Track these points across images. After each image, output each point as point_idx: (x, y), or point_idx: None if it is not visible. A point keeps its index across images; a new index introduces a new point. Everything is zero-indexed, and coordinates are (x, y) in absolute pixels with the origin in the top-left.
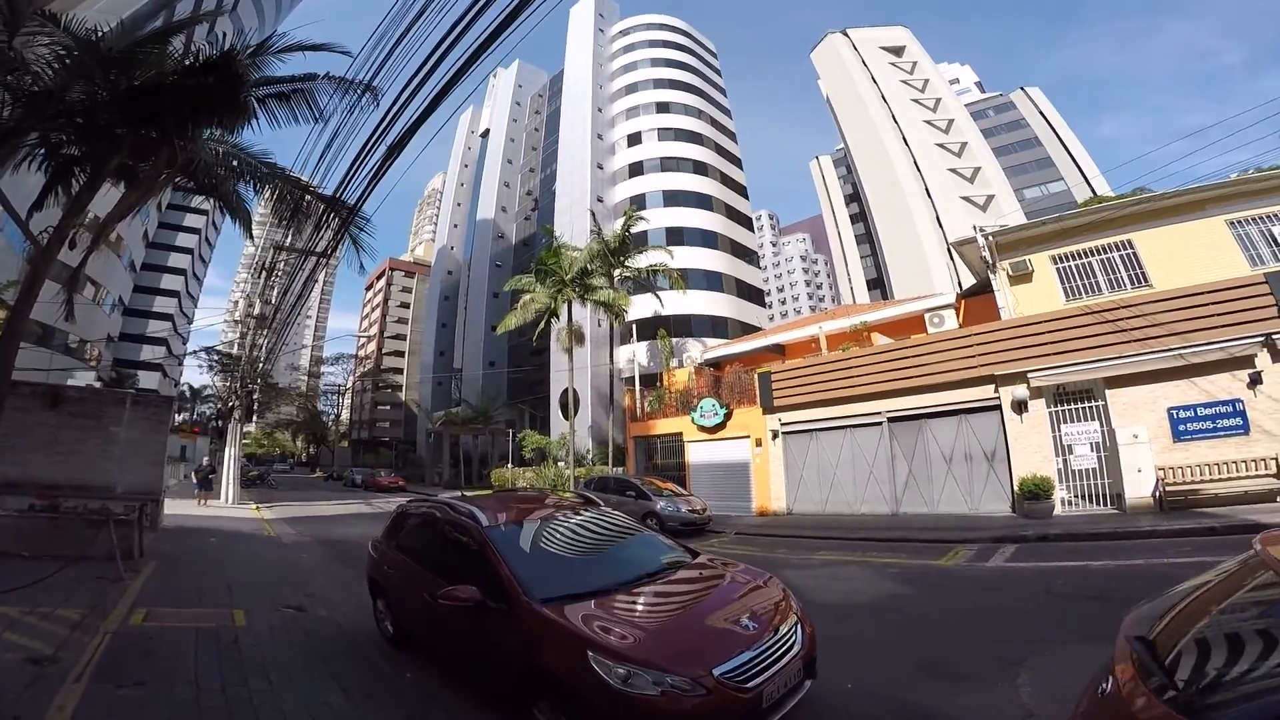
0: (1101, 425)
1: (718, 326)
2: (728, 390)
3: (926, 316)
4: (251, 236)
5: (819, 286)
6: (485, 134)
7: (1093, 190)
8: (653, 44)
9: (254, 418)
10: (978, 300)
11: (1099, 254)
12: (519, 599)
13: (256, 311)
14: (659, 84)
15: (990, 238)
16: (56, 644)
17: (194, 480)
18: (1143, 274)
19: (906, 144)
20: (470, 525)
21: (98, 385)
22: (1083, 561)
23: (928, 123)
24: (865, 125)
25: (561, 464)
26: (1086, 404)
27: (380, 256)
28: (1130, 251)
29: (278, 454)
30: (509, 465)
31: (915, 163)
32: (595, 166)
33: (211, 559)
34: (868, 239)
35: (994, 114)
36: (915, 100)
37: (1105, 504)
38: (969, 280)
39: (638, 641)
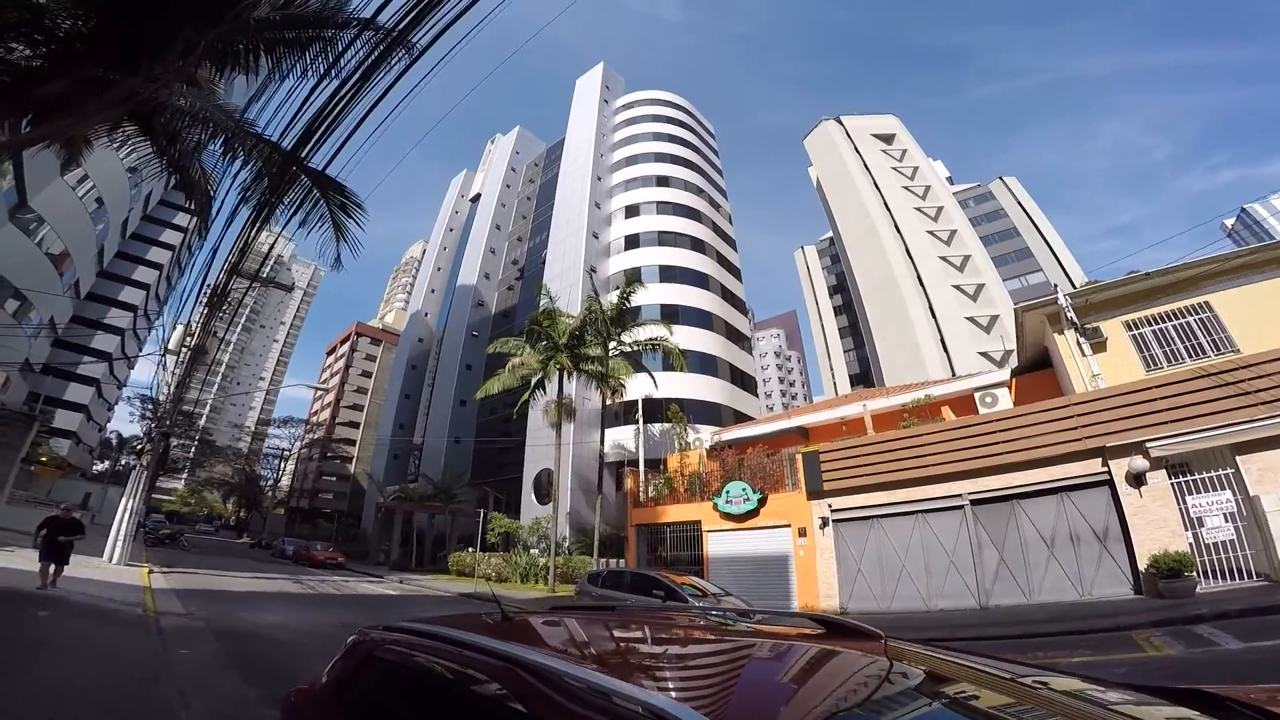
0: (1235, 494)
1: (710, 413)
2: (750, 474)
3: (977, 396)
4: (207, 226)
5: (791, 384)
6: (476, 198)
7: (1072, 284)
8: (656, 119)
9: (184, 469)
10: (1031, 377)
11: (1174, 318)
12: None
13: (193, 342)
14: (660, 158)
15: (1071, 299)
16: None
17: (35, 541)
18: (1226, 338)
19: (898, 230)
20: None
21: None
22: None
23: (918, 210)
24: (857, 210)
25: (535, 551)
26: (1211, 473)
27: (359, 254)
28: (1209, 314)
29: (204, 514)
30: (472, 549)
31: (907, 249)
32: (591, 235)
33: (18, 649)
34: (851, 331)
35: (974, 204)
36: (905, 188)
37: (1249, 577)
38: (962, 369)
39: None
